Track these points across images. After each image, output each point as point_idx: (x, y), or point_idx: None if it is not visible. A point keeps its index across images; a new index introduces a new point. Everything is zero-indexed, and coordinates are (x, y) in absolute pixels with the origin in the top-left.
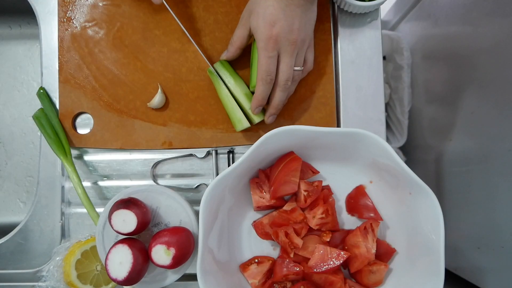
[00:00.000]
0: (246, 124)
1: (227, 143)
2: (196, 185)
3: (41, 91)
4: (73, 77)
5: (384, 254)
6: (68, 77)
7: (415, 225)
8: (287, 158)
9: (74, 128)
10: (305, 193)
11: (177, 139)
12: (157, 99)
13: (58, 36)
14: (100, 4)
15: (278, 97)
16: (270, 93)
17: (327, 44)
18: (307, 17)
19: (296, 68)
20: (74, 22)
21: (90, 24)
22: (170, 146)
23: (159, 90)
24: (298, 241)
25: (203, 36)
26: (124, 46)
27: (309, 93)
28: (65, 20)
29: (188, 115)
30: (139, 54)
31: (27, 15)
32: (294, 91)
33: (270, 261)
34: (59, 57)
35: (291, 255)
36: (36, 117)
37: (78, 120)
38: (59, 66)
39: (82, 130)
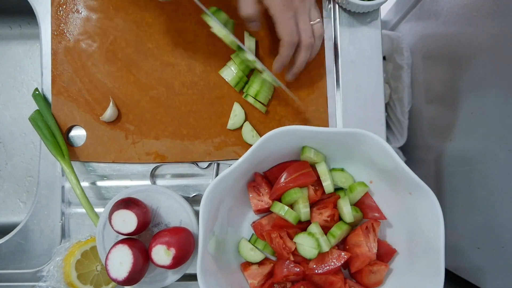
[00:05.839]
0: None
1: (221, 157)
2: (193, 195)
3: (37, 92)
4: (66, 90)
5: (385, 254)
6: (61, 90)
7: (415, 225)
8: (300, 169)
9: (67, 141)
10: (313, 188)
11: (170, 152)
12: (108, 112)
13: (51, 49)
14: (93, 17)
15: (303, 57)
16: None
17: (320, 59)
18: None
19: (313, 22)
20: (67, 35)
21: (83, 37)
22: (163, 160)
23: (111, 103)
24: (291, 244)
25: (196, 50)
26: (117, 59)
27: (302, 108)
28: (57, 33)
29: (181, 129)
30: (132, 68)
31: (27, 15)
32: (288, 105)
33: (272, 264)
34: (52, 70)
35: (291, 258)
36: (32, 119)
37: (71, 133)
38: (52, 79)
39: (75, 143)
